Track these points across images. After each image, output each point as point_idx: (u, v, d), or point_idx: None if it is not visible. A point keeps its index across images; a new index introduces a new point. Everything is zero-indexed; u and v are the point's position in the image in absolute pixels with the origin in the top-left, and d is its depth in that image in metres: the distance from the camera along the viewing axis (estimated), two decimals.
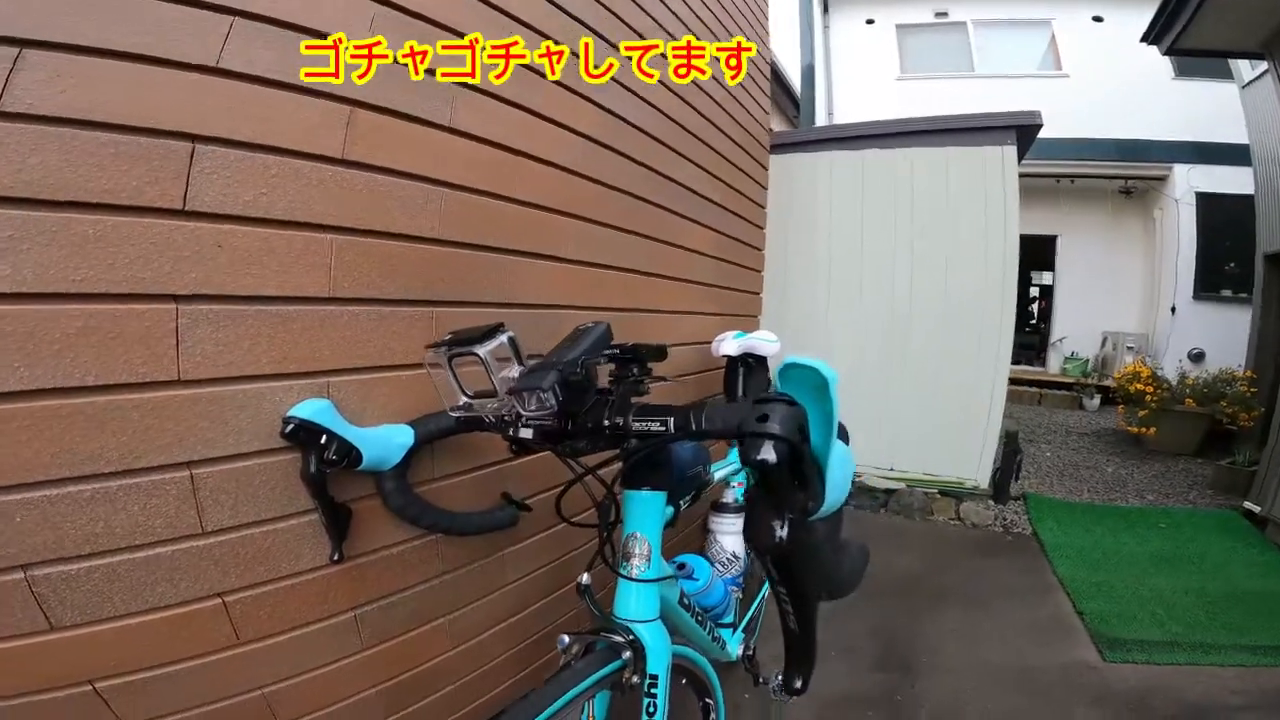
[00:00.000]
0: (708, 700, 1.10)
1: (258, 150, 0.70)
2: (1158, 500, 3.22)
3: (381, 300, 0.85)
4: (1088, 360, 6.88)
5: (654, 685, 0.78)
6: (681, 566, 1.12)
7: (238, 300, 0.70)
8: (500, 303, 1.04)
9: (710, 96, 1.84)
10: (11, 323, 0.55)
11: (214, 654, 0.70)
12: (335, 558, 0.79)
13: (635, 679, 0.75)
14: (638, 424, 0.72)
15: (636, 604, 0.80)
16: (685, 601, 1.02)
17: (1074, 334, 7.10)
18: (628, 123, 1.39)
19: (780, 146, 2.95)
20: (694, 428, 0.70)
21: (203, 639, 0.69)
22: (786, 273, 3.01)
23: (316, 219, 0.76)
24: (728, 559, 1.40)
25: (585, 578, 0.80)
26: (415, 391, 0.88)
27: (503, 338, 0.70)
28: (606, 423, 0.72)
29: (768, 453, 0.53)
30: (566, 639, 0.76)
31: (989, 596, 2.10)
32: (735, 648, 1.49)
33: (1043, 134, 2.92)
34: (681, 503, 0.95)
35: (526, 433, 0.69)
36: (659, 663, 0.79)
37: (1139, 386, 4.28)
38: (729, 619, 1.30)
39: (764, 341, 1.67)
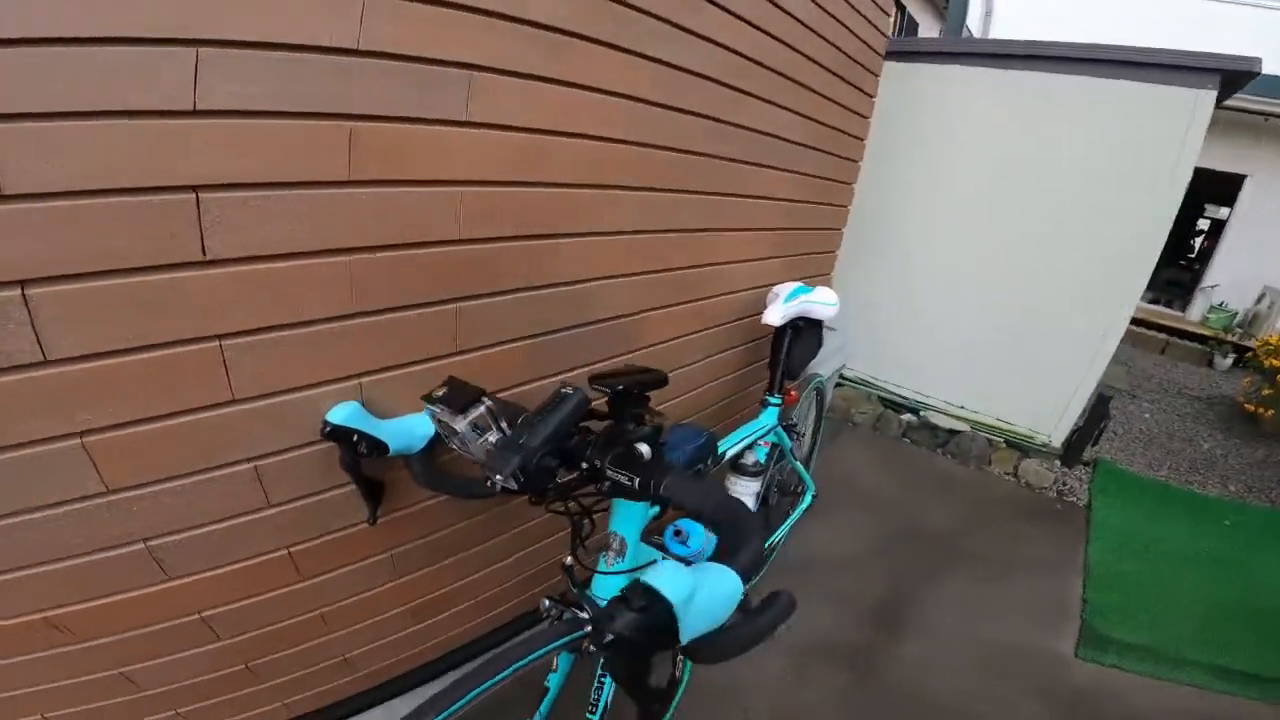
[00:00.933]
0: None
1: (274, 188, 0.75)
2: (1240, 493, 2.88)
3: (402, 307, 0.92)
4: (1236, 314, 5.81)
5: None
6: (678, 533, 1.25)
7: (272, 329, 0.80)
8: (527, 287, 1.08)
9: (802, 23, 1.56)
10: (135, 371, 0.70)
11: (282, 588, 0.94)
12: (371, 521, 0.98)
13: (592, 648, 0.92)
14: (610, 472, 0.80)
15: (606, 589, 0.94)
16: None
17: (1230, 283, 5.98)
18: (691, 73, 1.25)
19: (903, 54, 2.48)
20: (653, 493, 0.76)
21: (275, 579, 0.93)
22: (882, 187, 2.70)
23: (334, 244, 0.82)
24: None
25: (569, 559, 0.95)
26: (436, 383, 0.99)
27: (480, 409, 0.76)
28: (585, 465, 0.80)
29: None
30: (547, 602, 0.92)
31: (1007, 568, 2.09)
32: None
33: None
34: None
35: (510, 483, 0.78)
36: None
37: (1275, 362, 3.57)
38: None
39: (820, 305, 1.59)
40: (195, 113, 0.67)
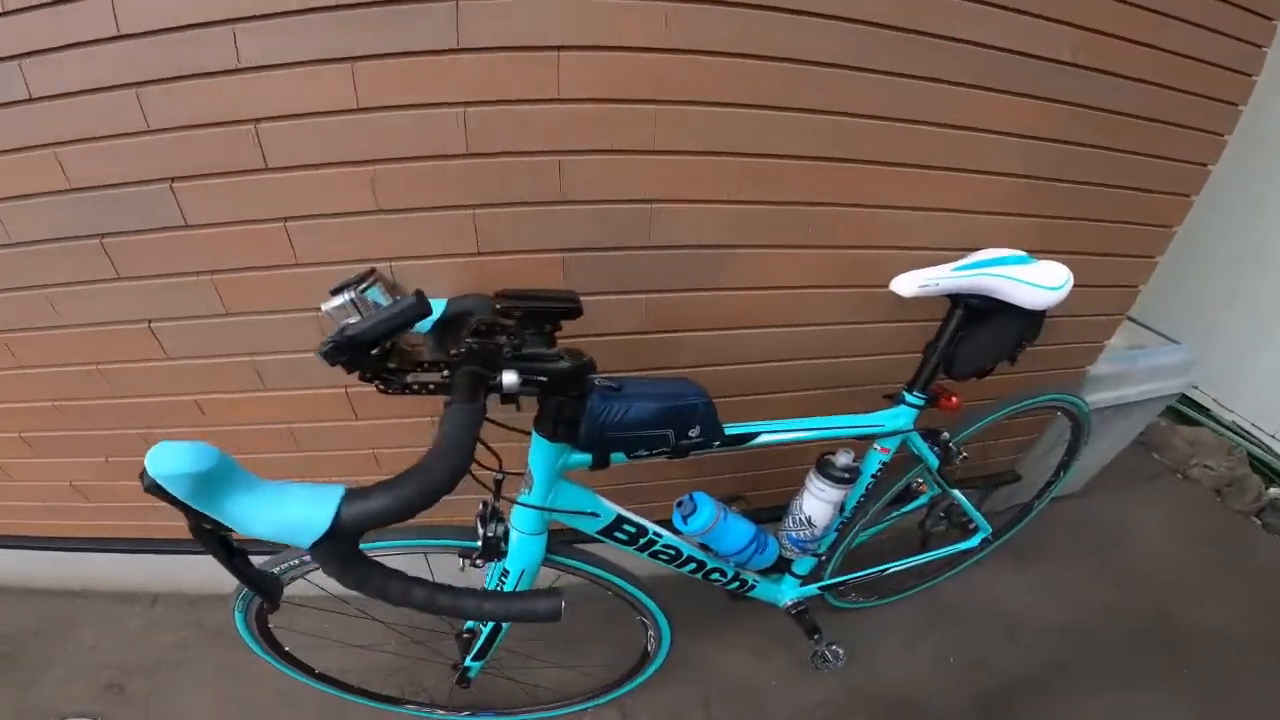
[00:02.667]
0: (643, 619, 1.21)
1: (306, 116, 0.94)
2: None
3: (422, 208, 1.04)
4: None
5: (505, 577, 0.99)
6: (681, 504, 1.12)
7: (320, 217, 1.03)
8: (550, 201, 1.06)
9: None
10: None
11: (341, 421, 1.24)
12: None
13: (479, 563, 0.95)
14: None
15: (518, 517, 0.96)
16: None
17: None
18: None
19: None
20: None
21: (336, 412, 1.23)
22: None
23: (357, 157, 0.99)
24: (799, 519, 1.24)
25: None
26: (452, 276, 1.11)
27: (341, 298, 0.82)
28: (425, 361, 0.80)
29: None
30: (481, 508, 0.98)
31: None
32: (782, 595, 1.43)
33: None
34: (636, 455, 0.93)
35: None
36: (515, 563, 0.99)
37: None
38: (762, 562, 1.24)
39: (1022, 283, 1.07)
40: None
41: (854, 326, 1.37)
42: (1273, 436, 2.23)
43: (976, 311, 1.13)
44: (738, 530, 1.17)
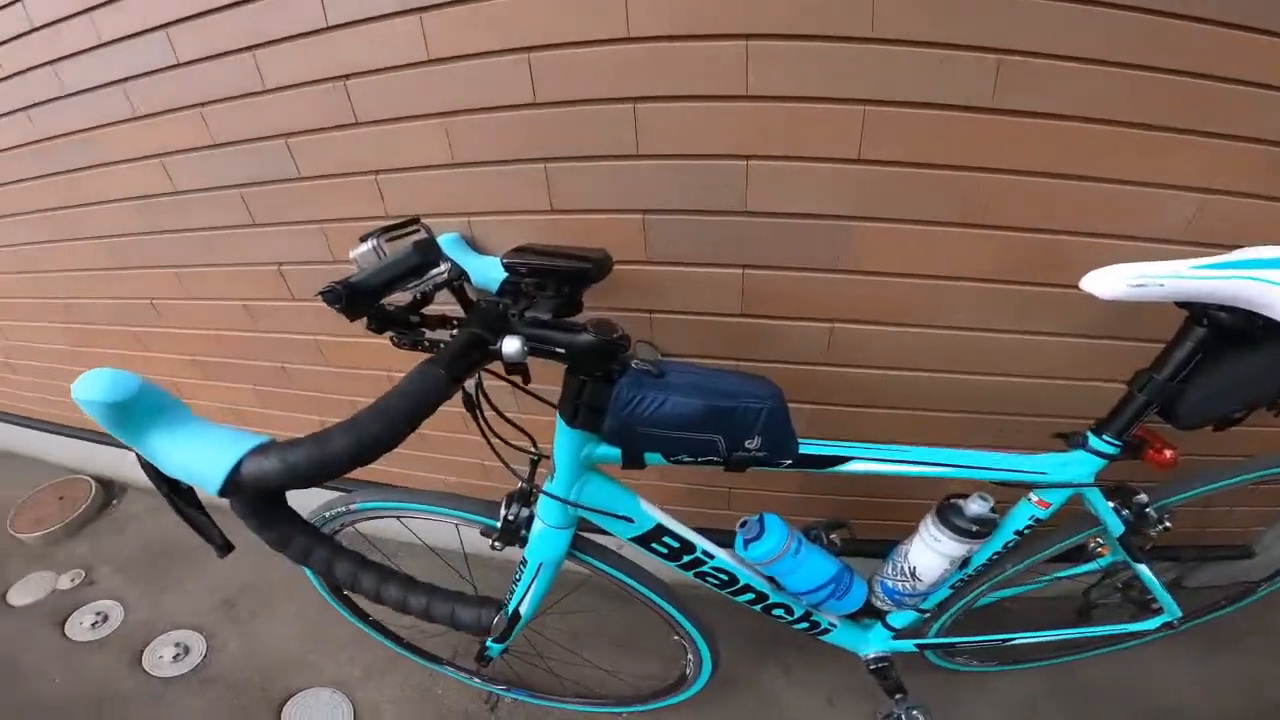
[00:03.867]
0: (681, 640, 1.05)
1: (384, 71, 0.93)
2: None
3: (494, 161, 0.99)
4: None
5: (523, 566, 0.91)
6: (744, 524, 0.95)
7: (403, 171, 1.04)
8: (625, 155, 0.94)
9: None
10: None
11: None
12: None
13: (498, 545, 0.90)
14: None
15: (541, 505, 0.88)
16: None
17: None
18: None
19: None
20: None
21: None
22: None
23: (432, 109, 0.96)
24: (901, 568, 0.98)
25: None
26: (525, 233, 1.04)
27: (368, 244, 0.76)
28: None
29: None
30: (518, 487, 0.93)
31: None
32: (867, 645, 1.17)
33: None
34: (677, 459, 0.79)
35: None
36: (534, 553, 0.91)
37: None
38: (841, 609, 1.01)
39: (1265, 283, 0.71)
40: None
41: (1020, 337, 1.04)
42: None
43: (1226, 332, 0.75)
44: (814, 566, 0.95)
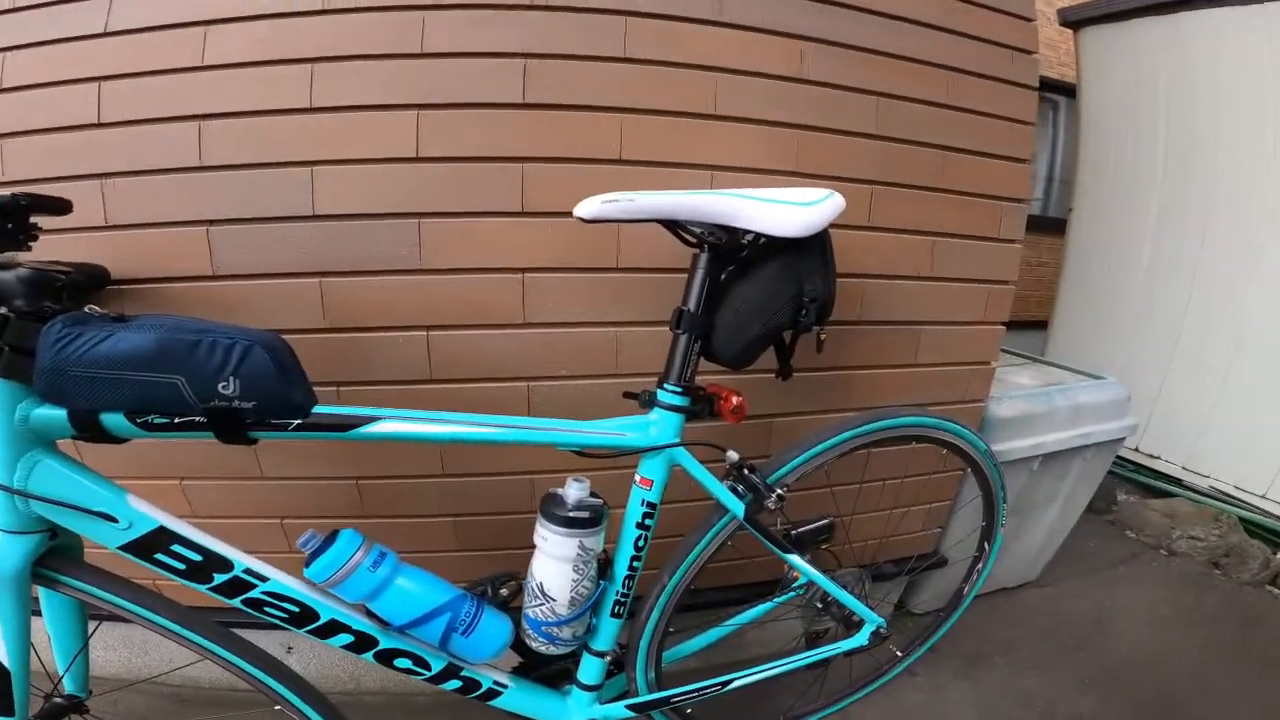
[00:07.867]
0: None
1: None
2: None
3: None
4: None
5: None
6: (307, 540, 0.77)
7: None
8: (188, 167, 0.95)
9: None
10: None
11: None
12: None
13: None
14: None
15: None
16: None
17: None
18: None
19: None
20: None
21: None
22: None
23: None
24: (533, 588, 0.82)
25: None
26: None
27: None
28: None
29: None
30: None
31: None
32: (568, 716, 0.95)
33: None
34: (144, 422, 0.63)
35: None
36: None
37: None
38: (472, 651, 0.81)
39: (754, 201, 0.80)
40: None
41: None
42: (1263, 497, 2.03)
43: (723, 251, 0.83)
44: (412, 589, 0.74)
